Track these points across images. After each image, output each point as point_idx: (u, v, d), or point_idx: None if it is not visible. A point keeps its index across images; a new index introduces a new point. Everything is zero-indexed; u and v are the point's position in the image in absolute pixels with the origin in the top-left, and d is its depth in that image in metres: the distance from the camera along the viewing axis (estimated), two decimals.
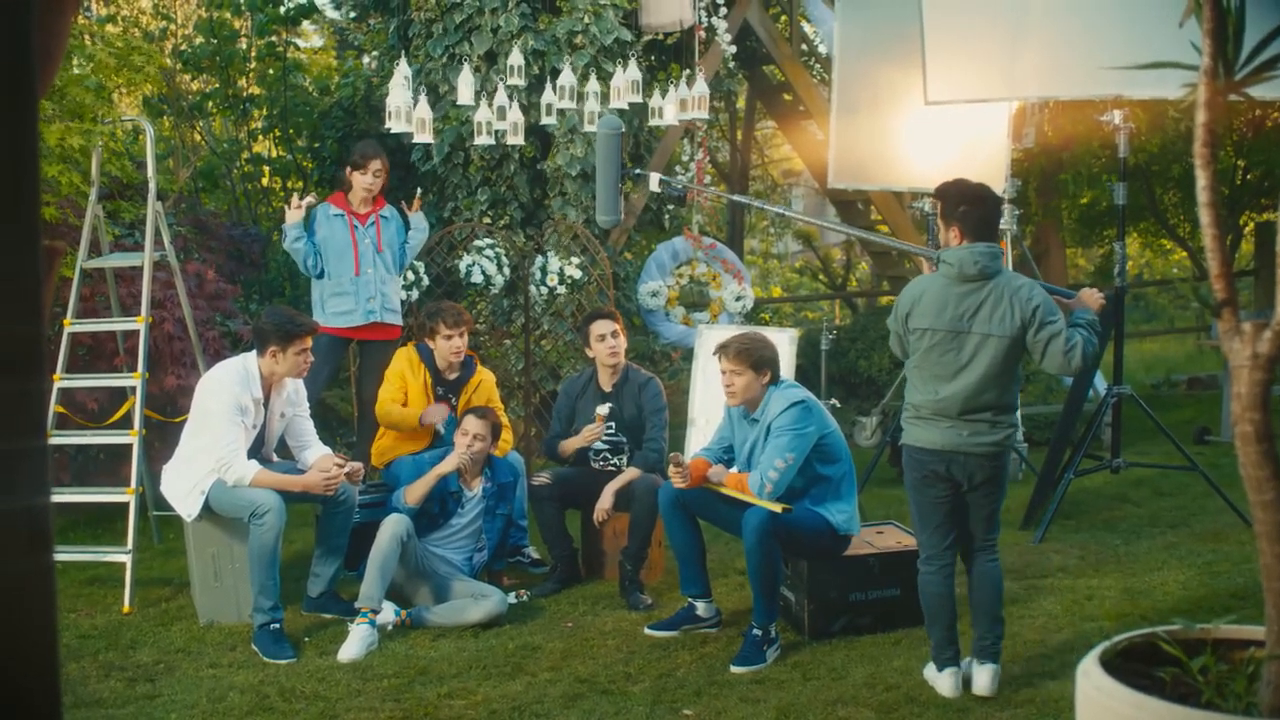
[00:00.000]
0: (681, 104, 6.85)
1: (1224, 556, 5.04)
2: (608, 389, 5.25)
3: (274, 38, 9.81)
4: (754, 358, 4.25)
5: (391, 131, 6.53)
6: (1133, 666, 2.07)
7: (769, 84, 10.86)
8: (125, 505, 5.00)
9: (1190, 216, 11.71)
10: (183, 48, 10.20)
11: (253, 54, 10.00)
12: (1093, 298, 3.90)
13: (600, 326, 5.22)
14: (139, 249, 5.65)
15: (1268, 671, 1.95)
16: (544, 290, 6.97)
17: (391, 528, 4.46)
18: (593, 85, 6.71)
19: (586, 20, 7.27)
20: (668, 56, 8.76)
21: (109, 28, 9.58)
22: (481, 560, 4.87)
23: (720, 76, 8.20)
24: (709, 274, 7.52)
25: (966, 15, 6.35)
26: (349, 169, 5.87)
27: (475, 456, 4.74)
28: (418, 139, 6.49)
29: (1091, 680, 1.98)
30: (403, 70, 6.32)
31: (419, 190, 6.62)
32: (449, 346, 5.25)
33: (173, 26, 10.85)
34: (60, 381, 5.26)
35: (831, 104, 7.65)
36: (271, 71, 9.91)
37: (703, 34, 7.86)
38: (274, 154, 10.07)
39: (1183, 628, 2.15)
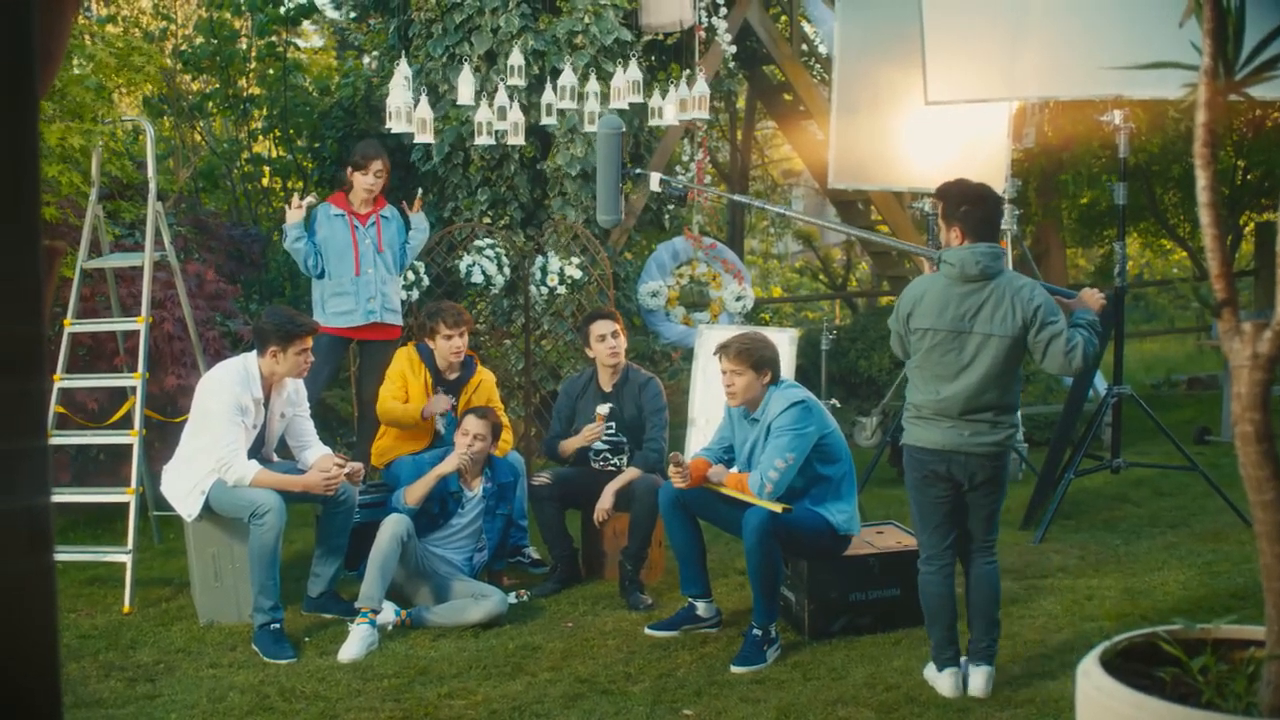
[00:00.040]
0: (681, 104, 6.85)
1: (1224, 556, 5.03)
2: (608, 389, 5.25)
3: (274, 38, 9.80)
4: (754, 358, 4.25)
5: (392, 131, 6.53)
6: (1133, 666, 2.07)
7: (769, 84, 10.86)
8: (125, 505, 5.00)
9: (1190, 216, 11.71)
10: (183, 48, 10.19)
11: (253, 54, 9.99)
12: (1093, 298, 3.90)
13: (600, 327, 5.22)
14: (139, 249, 5.65)
15: (1268, 671, 1.95)
16: (544, 290, 6.96)
17: (391, 528, 4.46)
18: (593, 85, 6.71)
19: (586, 20, 7.27)
20: (668, 56, 8.76)
21: (109, 28, 9.58)
22: (482, 560, 4.88)
23: (720, 76, 8.20)
24: (709, 274, 7.51)
25: (966, 15, 6.35)
26: (350, 169, 5.87)
27: (475, 456, 4.75)
28: (418, 139, 6.49)
29: (1091, 680, 1.98)
30: (403, 70, 6.32)
31: (419, 190, 6.62)
32: (449, 346, 5.26)
33: (173, 26, 10.83)
34: (60, 381, 5.26)
35: (831, 104, 7.64)
36: (271, 71, 9.91)
37: (703, 34, 7.86)
38: (274, 154, 10.06)
39: (1183, 628, 2.15)
